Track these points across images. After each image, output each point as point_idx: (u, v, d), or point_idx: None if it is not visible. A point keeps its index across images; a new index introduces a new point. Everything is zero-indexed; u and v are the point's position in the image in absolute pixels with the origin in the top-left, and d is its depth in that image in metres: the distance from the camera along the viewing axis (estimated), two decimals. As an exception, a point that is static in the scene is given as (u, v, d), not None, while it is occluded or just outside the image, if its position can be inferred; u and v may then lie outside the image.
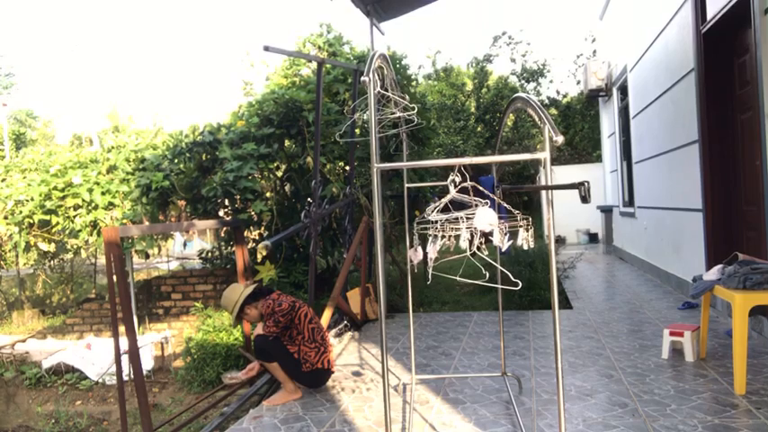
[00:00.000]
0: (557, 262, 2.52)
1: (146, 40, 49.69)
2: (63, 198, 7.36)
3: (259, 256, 6.40)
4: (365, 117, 5.87)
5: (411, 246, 2.85)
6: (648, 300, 6.26)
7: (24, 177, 8.09)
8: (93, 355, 6.89)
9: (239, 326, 5.11)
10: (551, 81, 18.29)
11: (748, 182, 4.95)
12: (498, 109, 16.82)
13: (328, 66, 6.92)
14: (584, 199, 2.01)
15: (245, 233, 6.76)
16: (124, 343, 4.03)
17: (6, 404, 5.99)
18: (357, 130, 6.87)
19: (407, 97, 3.39)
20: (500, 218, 2.32)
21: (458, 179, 2.40)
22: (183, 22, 53.84)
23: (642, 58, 8.00)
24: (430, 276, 2.47)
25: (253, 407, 3.76)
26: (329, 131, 6.54)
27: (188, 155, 6.53)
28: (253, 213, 6.35)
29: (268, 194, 6.74)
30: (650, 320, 5.26)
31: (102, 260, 10.61)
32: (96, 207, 7.27)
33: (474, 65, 17.80)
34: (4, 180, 8.37)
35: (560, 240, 13.87)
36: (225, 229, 7.48)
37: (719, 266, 3.71)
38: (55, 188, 7.38)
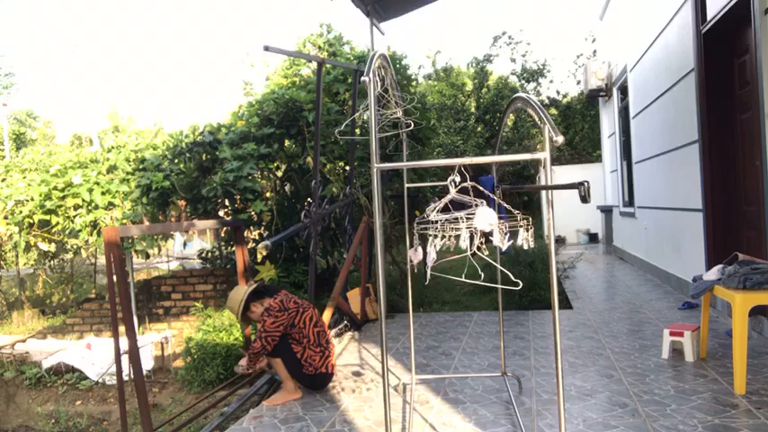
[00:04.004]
0: (557, 262, 2.52)
1: (146, 40, 49.70)
2: (63, 198, 7.36)
3: (259, 256, 6.40)
4: (365, 117, 5.87)
5: (411, 246, 2.85)
6: (648, 300, 6.26)
7: (24, 177, 8.09)
8: (93, 355, 6.88)
9: (241, 326, 5.11)
10: (551, 81, 18.28)
11: (748, 182, 4.95)
12: (498, 109, 16.82)
13: (328, 66, 6.92)
14: (584, 199, 2.01)
15: (245, 233, 6.76)
16: (124, 343, 4.03)
17: (6, 404, 5.99)
18: (357, 130, 6.87)
19: (414, 99, 3.39)
20: (500, 218, 2.32)
21: (458, 179, 2.40)
22: (183, 22, 53.84)
23: (642, 58, 8.00)
24: (428, 277, 2.47)
25: (253, 407, 3.76)
26: (329, 131, 6.54)
27: (188, 155, 6.53)
28: (253, 213, 6.35)
29: (268, 194, 6.74)
30: (650, 320, 5.26)
31: (102, 260, 10.61)
32: (96, 207, 7.27)
33: (474, 65, 17.81)
34: (4, 180, 8.37)
35: (560, 240, 13.87)
36: (225, 229, 7.48)
37: (719, 266, 3.71)
38: (55, 188, 7.38)
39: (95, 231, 7.35)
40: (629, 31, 9.07)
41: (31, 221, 7.58)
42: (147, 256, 9.93)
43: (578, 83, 17.00)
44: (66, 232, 7.52)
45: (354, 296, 5.79)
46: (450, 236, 2.39)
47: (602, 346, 4.49)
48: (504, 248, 2.45)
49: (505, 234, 2.31)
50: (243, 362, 3.85)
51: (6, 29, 41.92)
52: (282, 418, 3.34)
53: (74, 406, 6.23)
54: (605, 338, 4.70)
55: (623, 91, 9.94)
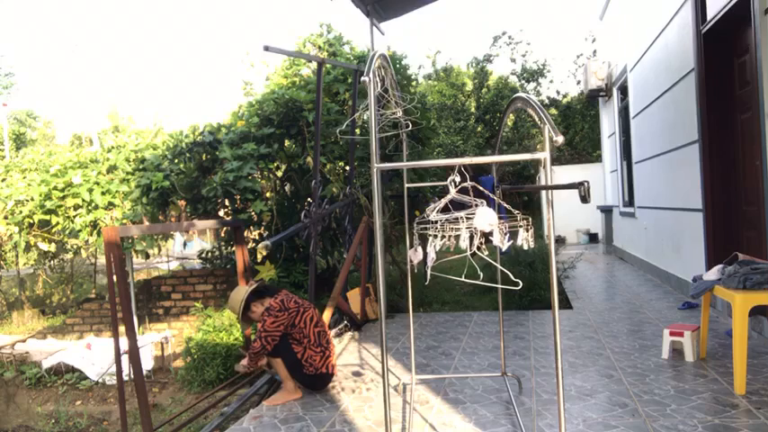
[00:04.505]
0: (557, 262, 2.52)
1: (146, 40, 49.70)
2: (63, 198, 7.36)
3: (259, 256, 6.40)
4: (365, 117, 5.87)
5: (411, 246, 2.85)
6: (648, 300, 6.26)
7: (24, 177, 8.10)
8: (93, 355, 6.88)
9: (242, 326, 5.10)
10: (551, 81, 18.28)
11: (748, 182, 4.95)
12: (498, 109, 16.82)
13: (328, 66, 6.92)
14: (584, 199, 2.01)
15: (245, 233, 6.76)
16: (124, 343, 4.03)
17: (6, 404, 5.99)
18: (357, 130, 6.87)
19: (414, 99, 3.39)
20: (500, 218, 2.32)
21: (458, 179, 2.40)
22: (183, 22, 53.85)
23: (642, 58, 8.00)
24: (428, 277, 2.47)
25: (253, 407, 3.76)
26: (329, 131, 6.54)
27: (188, 155, 6.53)
28: (253, 213, 6.35)
29: (268, 194, 6.74)
30: (650, 320, 5.26)
31: (102, 260, 10.61)
32: (96, 207, 7.27)
33: (474, 65, 17.81)
34: (4, 180, 8.37)
35: (560, 240, 13.87)
36: (225, 229, 7.48)
37: (719, 266, 3.71)
38: (55, 188, 7.38)
39: (95, 231, 7.35)
40: (629, 31, 9.07)
41: (31, 221, 7.58)
42: (147, 256, 9.95)
43: (578, 83, 17.00)
44: (67, 232, 7.52)
45: (354, 296, 5.78)
46: (450, 236, 2.39)
47: (602, 346, 4.49)
48: (504, 248, 2.45)
49: (505, 234, 2.31)
50: (244, 362, 3.85)
51: (6, 29, 41.93)
52: (282, 418, 3.34)
53: (74, 406, 6.23)
54: (605, 338, 4.70)
55: (623, 91, 9.94)
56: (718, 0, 4.96)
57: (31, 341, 7.84)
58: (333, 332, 5.22)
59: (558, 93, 17.66)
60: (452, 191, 2.44)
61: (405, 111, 3.41)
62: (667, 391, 3.39)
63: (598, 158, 14.88)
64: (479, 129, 17.09)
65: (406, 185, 3.75)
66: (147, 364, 6.72)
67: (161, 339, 7.16)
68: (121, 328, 4.48)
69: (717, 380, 3.52)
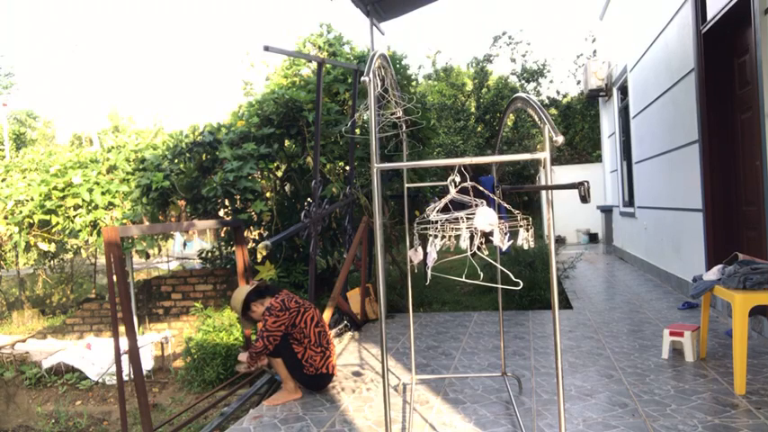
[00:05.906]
0: (557, 262, 2.52)
1: (146, 40, 49.70)
2: (63, 198, 7.37)
3: (259, 256, 6.40)
4: (365, 117, 5.87)
5: (411, 246, 2.85)
6: (648, 300, 6.26)
7: (24, 177, 8.10)
8: (93, 355, 6.89)
9: (243, 326, 5.10)
10: (551, 81, 18.29)
11: (748, 182, 4.95)
12: (498, 109, 16.82)
13: (328, 66, 6.92)
14: (584, 199, 2.01)
15: (245, 233, 6.76)
16: (124, 343, 4.03)
17: (6, 404, 5.99)
18: (357, 130, 6.87)
19: (414, 98, 3.39)
20: (500, 218, 2.32)
21: (458, 179, 2.40)
22: (183, 22, 53.86)
23: (642, 58, 8.00)
24: (429, 277, 2.47)
25: (253, 407, 3.76)
26: (329, 131, 6.54)
27: (188, 155, 6.53)
28: (253, 213, 6.36)
29: (268, 194, 6.74)
30: (650, 320, 5.26)
31: (102, 260, 10.62)
32: (96, 207, 7.27)
33: (474, 65, 17.81)
34: (4, 180, 8.38)
35: (560, 240, 13.87)
36: (225, 229, 7.49)
37: (719, 266, 3.71)
38: (55, 188, 7.39)
39: (95, 231, 7.35)
40: (629, 31, 9.07)
41: (31, 221, 7.58)
42: (147, 256, 9.95)
43: (578, 83, 17.00)
44: (66, 232, 7.53)
45: (354, 296, 5.79)
46: (450, 236, 2.39)
47: (602, 346, 4.49)
48: (504, 248, 2.45)
49: (505, 234, 2.31)
50: (243, 357, 3.83)
51: (6, 29, 41.93)
52: (282, 418, 3.34)
53: (74, 406, 6.23)
54: (605, 338, 4.70)
55: (623, 91, 9.94)
56: (718, 0, 4.97)
57: (31, 341, 7.84)
58: (333, 332, 5.22)
59: (558, 93, 17.67)
60: (452, 191, 2.44)
61: (405, 111, 3.42)
62: (667, 391, 3.39)
63: (598, 158, 14.88)
64: (479, 129, 17.09)
65: (406, 185, 3.74)
66: (147, 364, 6.73)
67: (161, 339, 7.16)
68: (121, 328, 4.48)
69: (717, 380, 3.52)
